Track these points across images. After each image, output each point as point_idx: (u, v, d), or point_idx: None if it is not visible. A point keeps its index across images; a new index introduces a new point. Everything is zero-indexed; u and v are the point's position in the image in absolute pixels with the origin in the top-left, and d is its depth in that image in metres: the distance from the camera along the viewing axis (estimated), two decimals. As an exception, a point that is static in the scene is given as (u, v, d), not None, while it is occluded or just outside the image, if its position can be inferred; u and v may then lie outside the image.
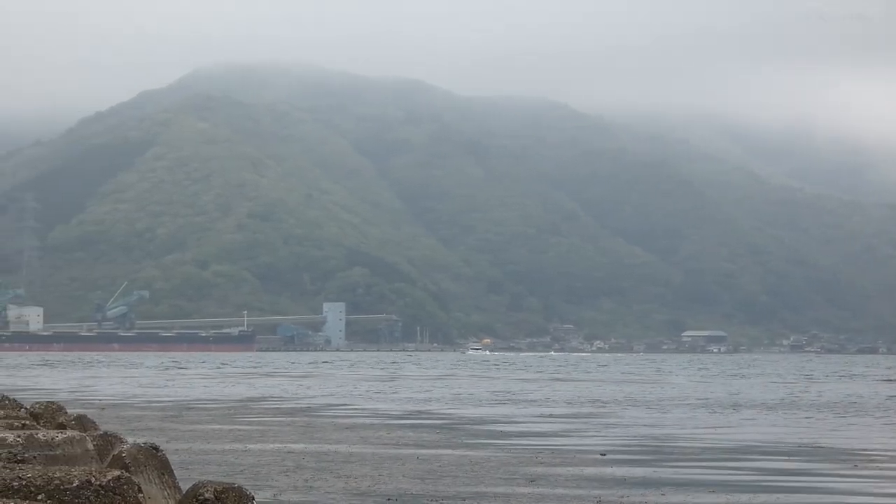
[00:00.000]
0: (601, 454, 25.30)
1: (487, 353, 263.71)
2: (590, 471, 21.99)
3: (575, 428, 34.27)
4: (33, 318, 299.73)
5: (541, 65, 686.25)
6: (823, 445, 29.33)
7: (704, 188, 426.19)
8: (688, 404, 49.04)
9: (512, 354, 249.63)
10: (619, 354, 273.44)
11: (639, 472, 21.75)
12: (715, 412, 43.46)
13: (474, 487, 19.14)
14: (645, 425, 35.64)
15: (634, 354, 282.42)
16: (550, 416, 40.11)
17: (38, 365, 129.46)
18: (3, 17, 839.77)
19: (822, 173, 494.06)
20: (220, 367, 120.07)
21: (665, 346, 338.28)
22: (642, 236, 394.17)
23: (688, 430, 33.71)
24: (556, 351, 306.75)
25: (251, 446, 26.75)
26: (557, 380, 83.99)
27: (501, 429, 33.51)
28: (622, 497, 18.28)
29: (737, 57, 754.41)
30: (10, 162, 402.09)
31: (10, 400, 13.66)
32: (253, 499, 6.89)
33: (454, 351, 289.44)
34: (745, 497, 18.91)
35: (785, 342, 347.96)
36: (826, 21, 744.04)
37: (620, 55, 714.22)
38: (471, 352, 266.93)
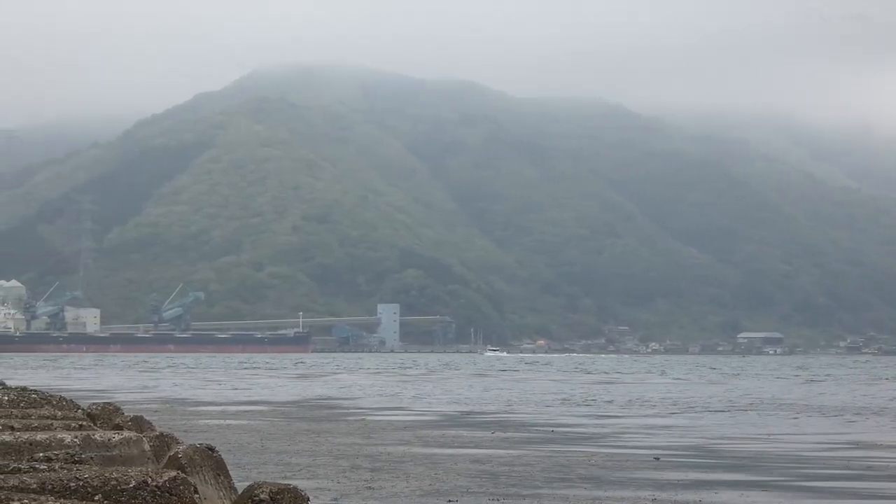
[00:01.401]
0: (655, 458, 25.18)
1: (505, 354, 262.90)
2: (644, 473, 21.89)
3: (628, 430, 34.12)
4: (90, 319, 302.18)
5: (596, 65, 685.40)
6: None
7: (762, 189, 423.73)
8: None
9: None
10: (675, 356, 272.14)
11: (693, 475, 21.62)
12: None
13: (530, 488, 19.10)
14: (701, 428, 35.44)
15: (689, 356, 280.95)
16: (605, 416, 40.02)
17: (95, 366, 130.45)
18: (62, 21, 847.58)
19: (881, 174, 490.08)
20: (281, 368, 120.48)
21: (720, 348, 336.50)
22: (699, 237, 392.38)
23: (753, 435, 33.49)
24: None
25: (306, 447, 26.80)
26: (609, 382, 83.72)
27: (554, 429, 33.42)
28: (676, 498, 18.18)
29: (795, 56, 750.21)
30: (68, 164, 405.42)
31: (67, 401, 13.73)
32: (308, 500, 6.88)
33: (508, 352, 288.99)
34: (799, 500, 18.76)
35: (842, 344, 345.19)
36: (885, 22, 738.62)
37: (676, 55, 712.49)
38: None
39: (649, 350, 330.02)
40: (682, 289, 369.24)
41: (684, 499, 18.22)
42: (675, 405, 49.09)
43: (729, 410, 45.56)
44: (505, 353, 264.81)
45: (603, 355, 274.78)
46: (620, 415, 41.80)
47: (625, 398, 55.39)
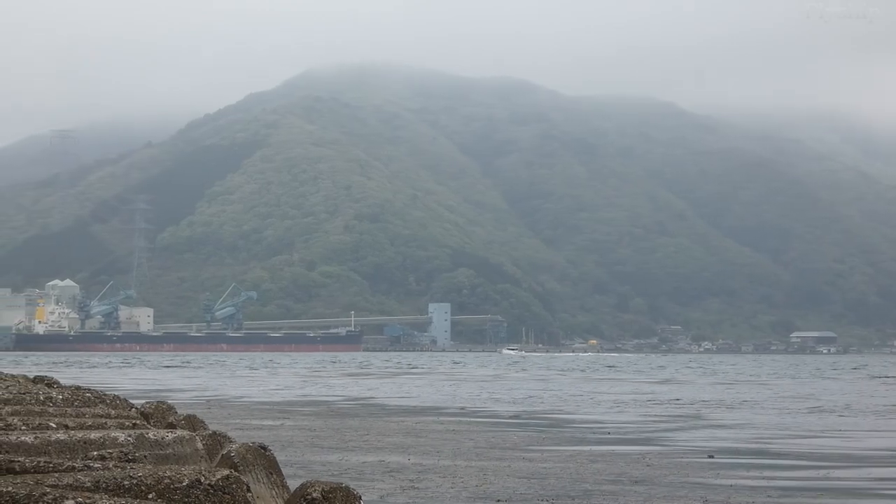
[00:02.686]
0: (709, 456, 25.08)
1: (524, 353, 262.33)
2: (696, 472, 21.81)
3: (680, 429, 33.99)
4: (143, 318, 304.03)
5: (647, 63, 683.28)
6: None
7: (815, 188, 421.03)
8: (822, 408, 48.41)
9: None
10: (727, 355, 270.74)
11: (746, 474, 21.52)
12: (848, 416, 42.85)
13: (580, 489, 19.07)
14: (755, 428, 35.25)
15: (742, 355, 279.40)
16: (655, 416, 39.87)
17: (148, 365, 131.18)
18: (116, 23, 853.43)
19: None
20: (333, 367, 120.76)
21: (773, 347, 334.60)
22: (752, 236, 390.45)
23: (804, 433, 33.28)
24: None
25: (356, 445, 26.88)
26: (658, 381, 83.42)
27: (603, 428, 33.34)
28: (729, 498, 18.11)
29: (848, 55, 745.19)
30: (122, 164, 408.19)
31: (120, 400, 13.83)
32: (360, 498, 6.92)
33: (560, 352, 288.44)
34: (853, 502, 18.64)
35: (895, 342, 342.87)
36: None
37: (728, 53, 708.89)
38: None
39: (701, 349, 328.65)
40: (734, 288, 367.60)
41: (738, 500, 18.15)
42: (729, 405, 48.87)
43: (789, 411, 45.30)
44: (523, 352, 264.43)
45: (655, 355, 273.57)
46: (675, 414, 41.64)
47: (676, 397, 55.18)
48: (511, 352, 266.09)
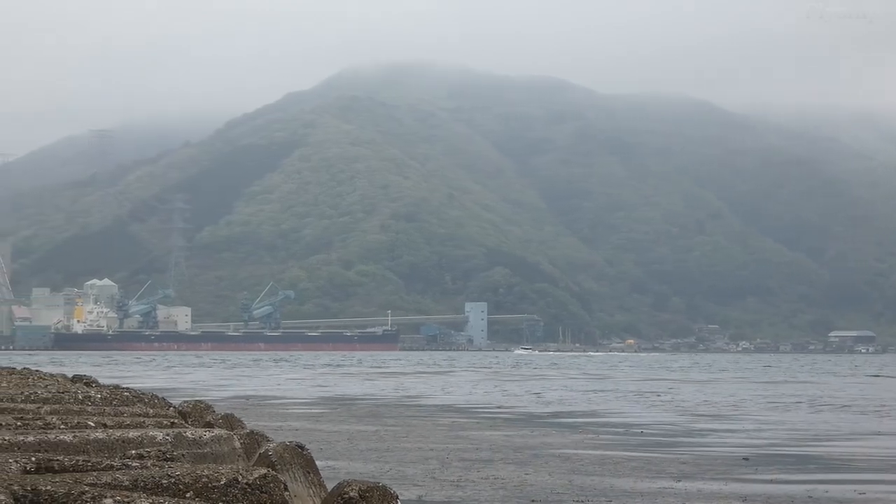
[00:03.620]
0: (744, 458, 24.98)
1: (537, 352, 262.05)
2: (733, 474, 21.73)
3: (713, 429, 33.89)
4: (181, 317, 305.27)
5: (683, 62, 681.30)
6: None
7: (853, 186, 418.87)
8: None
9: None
10: (765, 355, 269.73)
11: (783, 476, 21.42)
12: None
13: (619, 487, 19.04)
14: (788, 429, 35.11)
15: (780, 355, 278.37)
16: (691, 415, 39.75)
17: (186, 364, 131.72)
18: (154, 23, 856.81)
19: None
20: (370, 365, 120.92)
21: (812, 347, 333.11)
22: (789, 235, 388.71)
23: (841, 434, 33.12)
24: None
25: (395, 445, 26.90)
26: (693, 380, 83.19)
27: (643, 430, 33.27)
28: (768, 499, 18.04)
29: (886, 53, 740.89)
30: (160, 163, 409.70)
31: (158, 398, 13.89)
32: (397, 498, 6.93)
33: (596, 351, 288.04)
34: None
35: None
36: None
37: (764, 51, 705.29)
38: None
39: (739, 349, 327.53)
40: (772, 287, 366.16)
41: (774, 501, 18.07)
42: (773, 404, 48.67)
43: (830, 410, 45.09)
44: (535, 352, 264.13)
45: (693, 354, 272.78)
46: (711, 414, 41.52)
47: (713, 398, 55.01)
48: (523, 351, 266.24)
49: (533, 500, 17.59)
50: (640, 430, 32.72)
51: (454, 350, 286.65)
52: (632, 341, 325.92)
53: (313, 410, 41.52)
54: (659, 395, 56.14)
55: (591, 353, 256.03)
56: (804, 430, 34.18)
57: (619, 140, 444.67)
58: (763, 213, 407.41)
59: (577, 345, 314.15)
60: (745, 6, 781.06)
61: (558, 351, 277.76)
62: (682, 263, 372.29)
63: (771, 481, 20.38)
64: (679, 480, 20.29)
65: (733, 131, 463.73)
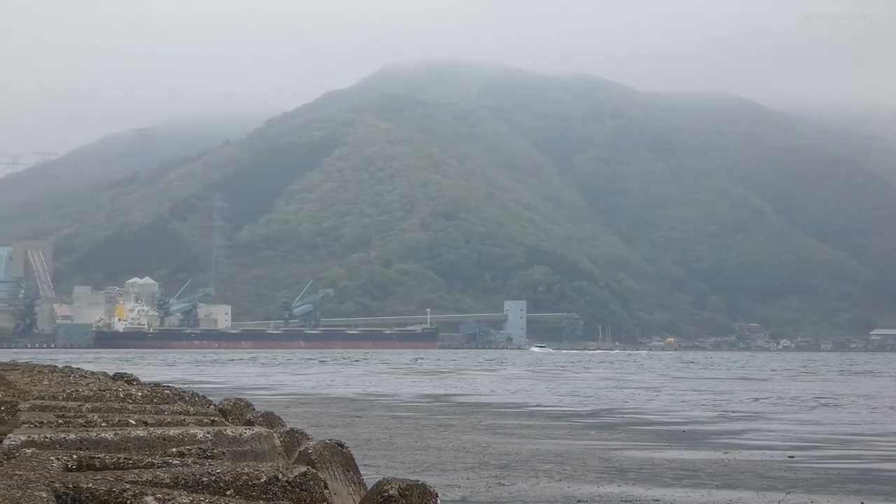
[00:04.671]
0: (789, 456, 24.84)
1: (552, 350, 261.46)
2: (776, 471, 21.62)
3: (757, 427, 33.71)
4: (222, 316, 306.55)
5: (723, 60, 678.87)
6: None
7: (895, 184, 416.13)
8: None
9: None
10: (806, 353, 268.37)
11: (828, 476, 21.28)
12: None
13: (660, 486, 18.97)
14: (834, 425, 34.89)
15: (821, 353, 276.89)
16: (733, 413, 39.59)
17: (226, 362, 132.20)
18: (194, 22, 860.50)
19: None
20: (410, 364, 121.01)
21: (853, 345, 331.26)
22: (830, 233, 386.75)
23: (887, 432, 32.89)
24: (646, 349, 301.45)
25: (434, 443, 26.89)
26: (740, 378, 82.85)
27: (683, 428, 33.15)
28: (812, 500, 17.93)
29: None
30: (200, 162, 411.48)
31: (199, 396, 13.95)
32: (437, 496, 6.92)
33: (637, 349, 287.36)
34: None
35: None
36: None
37: (805, 49, 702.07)
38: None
39: (780, 347, 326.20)
40: (813, 285, 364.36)
41: (818, 500, 17.97)
42: (814, 402, 48.44)
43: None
44: (551, 350, 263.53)
45: (734, 352, 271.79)
46: (752, 413, 41.33)
47: (754, 396, 54.78)
48: (539, 349, 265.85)
49: (579, 501, 17.56)
50: (682, 430, 32.60)
51: (493, 349, 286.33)
52: (671, 340, 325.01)
53: (354, 407, 41.58)
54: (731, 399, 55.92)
55: (548, 351, 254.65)
56: (852, 428, 33.98)
57: (660, 138, 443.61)
58: (804, 211, 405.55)
59: (617, 343, 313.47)
60: (787, 3, 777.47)
61: (598, 349, 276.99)
62: (722, 262, 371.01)
63: (814, 480, 20.25)
64: (718, 478, 20.20)
65: (774, 129, 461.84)
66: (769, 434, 31.09)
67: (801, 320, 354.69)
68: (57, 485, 5.46)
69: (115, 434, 7.95)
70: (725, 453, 25.32)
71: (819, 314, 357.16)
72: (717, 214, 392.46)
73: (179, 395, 13.37)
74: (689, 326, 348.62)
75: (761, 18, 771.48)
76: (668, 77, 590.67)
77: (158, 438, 8.02)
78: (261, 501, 5.96)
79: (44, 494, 5.15)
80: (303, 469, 6.43)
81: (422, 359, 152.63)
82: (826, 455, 25.02)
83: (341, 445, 8.77)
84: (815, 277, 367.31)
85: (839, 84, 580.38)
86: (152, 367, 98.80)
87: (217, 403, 13.91)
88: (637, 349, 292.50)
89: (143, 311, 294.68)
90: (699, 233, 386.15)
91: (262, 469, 6.34)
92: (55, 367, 26.76)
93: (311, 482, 6.35)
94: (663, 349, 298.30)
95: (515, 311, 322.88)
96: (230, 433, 8.49)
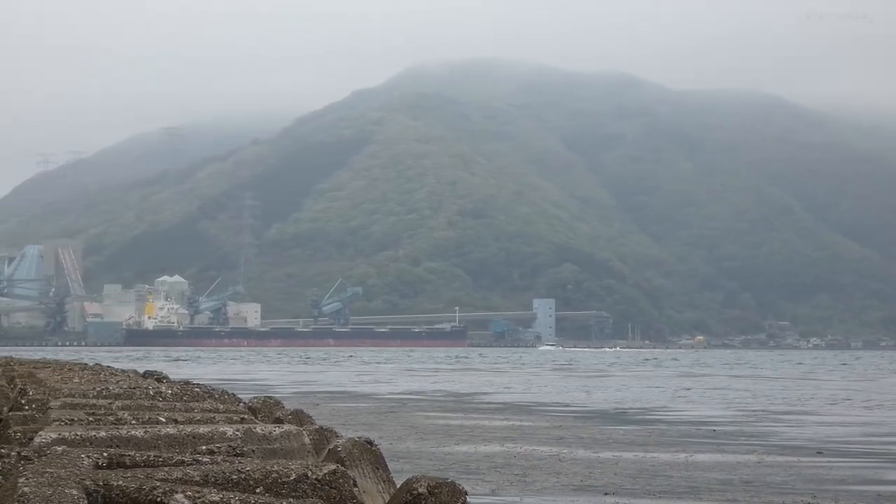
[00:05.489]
0: (817, 452, 24.78)
1: (561, 349, 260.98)
2: (805, 468, 21.55)
3: (785, 426, 33.61)
4: (251, 314, 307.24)
5: (753, 58, 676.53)
6: None
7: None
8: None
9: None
10: (836, 351, 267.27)
11: (855, 472, 21.21)
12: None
13: (689, 483, 18.94)
14: (861, 425, 34.76)
15: (851, 351, 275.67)
16: (766, 411, 39.49)
17: (255, 360, 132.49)
18: (223, 22, 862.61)
19: None
20: (438, 362, 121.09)
21: (883, 343, 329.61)
22: (861, 231, 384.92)
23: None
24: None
25: (463, 441, 26.91)
26: (762, 376, 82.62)
27: (715, 428, 33.08)
28: (838, 496, 17.87)
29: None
30: (230, 161, 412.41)
31: (228, 394, 14.00)
32: (466, 493, 6.93)
33: (666, 348, 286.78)
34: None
35: None
36: None
37: (835, 46, 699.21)
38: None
39: (810, 345, 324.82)
40: (843, 283, 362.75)
41: (848, 499, 17.90)
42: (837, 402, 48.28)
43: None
44: (560, 348, 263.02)
45: (764, 351, 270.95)
46: (779, 411, 41.22)
47: (783, 395, 54.63)
48: (549, 347, 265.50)
49: (606, 493, 17.56)
50: (712, 429, 32.53)
51: (522, 347, 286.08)
52: (701, 338, 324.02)
53: (383, 405, 41.64)
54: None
55: (557, 349, 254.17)
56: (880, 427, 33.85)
57: (689, 135, 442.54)
58: (833, 209, 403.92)
59: (647, 342, 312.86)
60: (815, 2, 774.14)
61: (627, 348, 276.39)
62: (751, 260, 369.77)
63: (843, 477, 20.17)
64: (749, 480, 20.15)
65: (804, 127, 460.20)
66: None
67: (832, 318, 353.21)
68: (87, 482, 5.48)
69: (145, 432, 7.99)
70: (754, 454, 25.25)
71: (849, 312, 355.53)
72: (747, 212, 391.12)
73: (209, 393, 13.42)
74: (719, 325, 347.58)
75: (791, 16, 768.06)
76: (697, 75, 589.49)
77: (188, 436, 8.06)
78: (290, 499, 5.96)
79: (74, 492, 5.17)
80: (332, 467, 6.46)
81: (458, 357, 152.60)
82: None
83: (370, 443, 8.79)
84: (845, 275, 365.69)
85: (869, 82, 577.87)
86: (182, 365, 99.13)
87: (246, 401, 13.96)
88: (666, 347, 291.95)
89: (173, 309, 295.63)
90: (728, 231, 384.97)
91: (292, 467, 6.35)
92: (85, 364, 26.88)
93: (341, 480, 6.36)
94: (692, 347, 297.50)
95: (544, 310, 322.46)
96: (260, 431, 8.53)
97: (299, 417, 13.24)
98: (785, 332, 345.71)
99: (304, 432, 9.11)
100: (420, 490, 6.68)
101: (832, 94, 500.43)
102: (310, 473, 6.27)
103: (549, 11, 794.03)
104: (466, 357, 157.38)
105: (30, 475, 5.40)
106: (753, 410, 41.31)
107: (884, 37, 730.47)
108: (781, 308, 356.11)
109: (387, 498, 8.09)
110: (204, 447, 7.45)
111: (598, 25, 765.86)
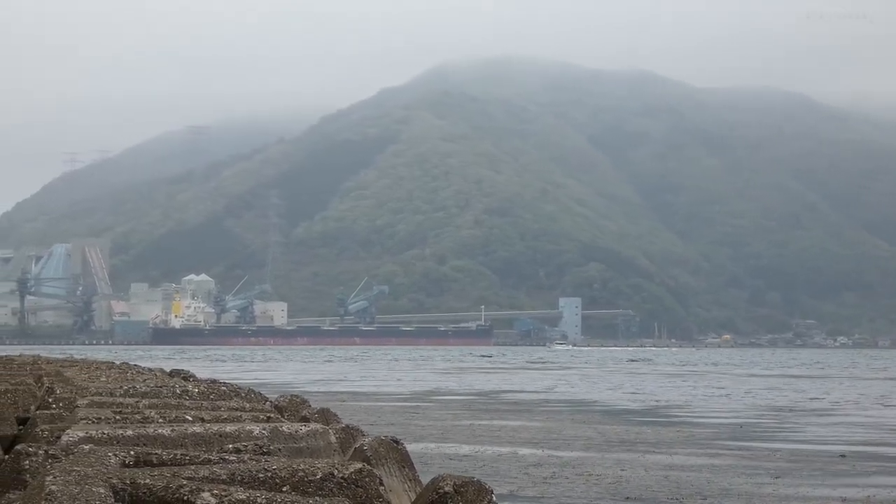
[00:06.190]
0: (841, 455, 24.66)
1: (572, 346, 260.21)
2: (830, 472, 21.47)
3: (807, 427, 33.49)
4: (278, 312, 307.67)
5: (777, 55, 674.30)
6: None
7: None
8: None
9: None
10: (864, 350, 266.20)
11: (882, 478, 21.11)
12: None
13: (715, 485, 18.88)
14: (888, 427, 34.64)
15: (879, 350, 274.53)
16: (789, 410, 39.38)
17: (282, 358, 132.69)
18: (247, 20, 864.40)
19: None
20: (464, 360, 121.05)
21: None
22: (887, 228, 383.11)
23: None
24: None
25: (488, 440, 26.91)
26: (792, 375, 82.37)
27: (742, 425, 33.00)
28: (869, 499, 17.80)
29: None
30: (255, 159, 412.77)
31: (255, 393, 14.02)
32: (492, 492, 6.93)
33: (693, 346, 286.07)
34: None
35: None
36: None
37: (859, 44, 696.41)
38: (556, 346, 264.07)
39: (837, 344, 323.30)
40: (870, 281, 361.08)
41: (875, 500, 17.84)
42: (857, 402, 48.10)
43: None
44: (572, 347, 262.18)
45: (791, 349, 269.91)
46: (802, 410, 41.09)
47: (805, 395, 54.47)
48: (560, 346, 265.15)
49: (627, 498, 17.50)
50: (739, 425, 32.46)
51: (548, 345, 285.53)
52: (728, 337, 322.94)
53: (409, 404, 41.64)
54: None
55: (568, 348, 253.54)
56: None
57: (714, 133, 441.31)
58: (861, 207, 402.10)
59: (673, 340, 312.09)
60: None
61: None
62: (778, 258, 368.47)
63: (868, 481, 20.11)
64: (776, 478, 20.08)
65: (829, 124, 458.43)
66: None
67: (859, 317, 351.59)
68: (114, 481, 5.52)
69: (171, 430, 8.01)
70: (776, 454, 25.16)
71: (876, 311, 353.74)
72: (773, 210, 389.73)
73: (235, 392, 13.44)
74: (746, 323, 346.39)
75: (814, 13, 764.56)
76: (721, 72, 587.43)
77: (215, 435, 8.07)
78: (317, 497, 5.96)
79: (101, 490, 5.21)
80: (358, 465, 6.47)
81: (487, 356, 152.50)
82: None
83: (396, 442, 8.80)
84: (872, 274, 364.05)
85: (884, 80, 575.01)
86: (208, 364, 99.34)
87: (273, 400, 13.99)
88: (693, 346, 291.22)
89: (200, 307, 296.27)
90: (755, 228, 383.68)
91: (318, 465, 6.36)
92: (112, 363, 26.97)
93: (367, 479, 6.36)
94: (719, 346, 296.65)
95: (570, 308, 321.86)
96: (286, 430, 8.54)
97: (325, 416, 13.26)
98: (812, 331, 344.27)
99: (330, 431, 9.12)
100: (446, 489, 6.69)
101: (856, 92, 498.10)
102: (336, 472, 6.28)
103: (571, 9, 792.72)
104: (491, 356, 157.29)
105: (57, 473, 5.43)
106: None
107: (884, 37, 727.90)
108: (808, 306, 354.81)
109: (413, 496, 8.10)
110: (230, 446, 7.48)
111: (621, 22, 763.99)
